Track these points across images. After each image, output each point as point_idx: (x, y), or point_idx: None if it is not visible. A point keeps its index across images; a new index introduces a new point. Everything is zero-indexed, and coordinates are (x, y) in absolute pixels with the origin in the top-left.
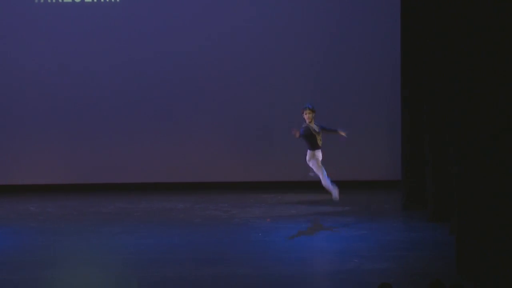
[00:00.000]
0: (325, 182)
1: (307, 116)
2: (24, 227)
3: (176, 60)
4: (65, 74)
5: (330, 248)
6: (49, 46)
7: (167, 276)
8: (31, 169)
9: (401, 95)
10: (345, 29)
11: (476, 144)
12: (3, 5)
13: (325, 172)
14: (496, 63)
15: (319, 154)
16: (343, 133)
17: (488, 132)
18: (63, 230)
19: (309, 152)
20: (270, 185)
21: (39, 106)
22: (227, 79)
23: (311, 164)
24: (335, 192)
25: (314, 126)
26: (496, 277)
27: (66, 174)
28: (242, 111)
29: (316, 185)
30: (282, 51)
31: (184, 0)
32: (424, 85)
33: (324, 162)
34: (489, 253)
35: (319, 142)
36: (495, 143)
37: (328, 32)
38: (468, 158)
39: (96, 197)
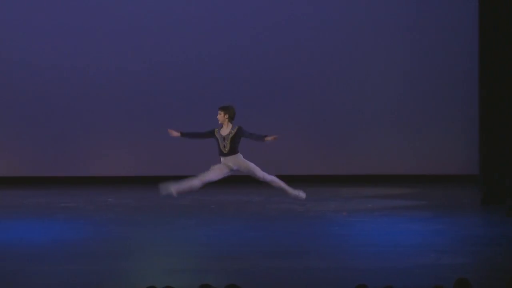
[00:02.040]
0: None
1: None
2: (102, 218)
3: (264, 55)
4: (144, 67)
5: (406, 243)
6: (126, 42)
7: (243, 269)
8: (110, 161)
9: (479, 89)
10: (423, 25)
11: None
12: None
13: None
14: None
15: (224, 161)
16: (270, 138)
17: None
18: (139, 221)
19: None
20: (347, 178)
21: (120, 99)
22: (309, 73)
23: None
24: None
25: (224, 129)
26: None
27: (144, 166)
28: (320, 105)
29: (393, 179)
30: (369, 49)
31: None
32: (503, 78)
33: (401, 154)
34: None
35: (224, 149)
36: None
37: (406, 29)
38: None
39: None
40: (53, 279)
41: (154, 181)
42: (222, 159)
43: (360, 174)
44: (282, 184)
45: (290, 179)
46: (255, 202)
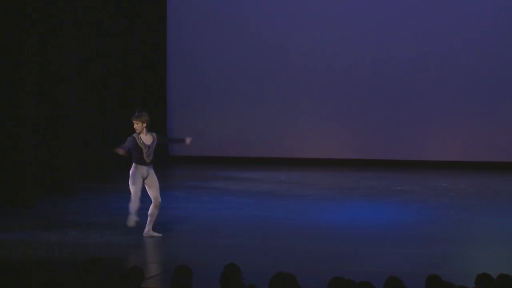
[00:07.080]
0: (132, 206)
1: (134, 126)
2: (437, 203)
3: None
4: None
5: None
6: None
7: None
8: (446, 146)
9: None
10: None
11: None
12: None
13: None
14: None
15: (144, 171)
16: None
17: None
18: (474, 207)
19: (133, 166)
20: None
21: (456, 85)
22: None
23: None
24: (131, 218)
25: (145, 137)
26: None
27: (479, 151)
28: None
29: None
30: None
31: None
32: None
33: None
34: None
35: (147, 158)
36: None
37: None
38: None
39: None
40: (385, 261)
41: (490, 167)
42: (141, 168)
43: None
44: (154, 217)
45: None
46: None
